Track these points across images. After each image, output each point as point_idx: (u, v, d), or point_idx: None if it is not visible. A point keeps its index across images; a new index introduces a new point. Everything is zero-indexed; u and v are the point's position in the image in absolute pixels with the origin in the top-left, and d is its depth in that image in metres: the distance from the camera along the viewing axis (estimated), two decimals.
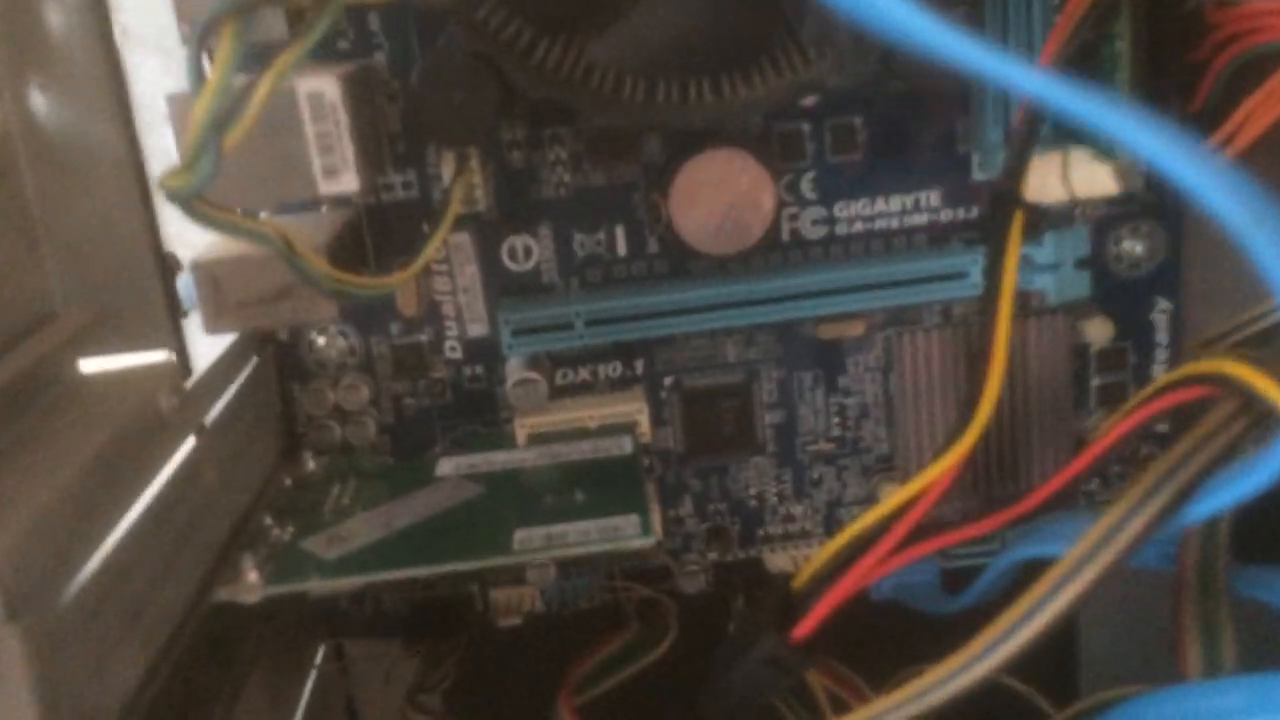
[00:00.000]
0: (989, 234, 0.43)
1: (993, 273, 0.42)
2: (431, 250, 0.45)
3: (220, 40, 0.31)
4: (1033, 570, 0.33)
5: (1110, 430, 0.41)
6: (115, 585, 0.34)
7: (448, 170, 0.47)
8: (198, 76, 0.32)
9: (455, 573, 0.40)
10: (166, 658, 0.37)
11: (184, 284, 0.43)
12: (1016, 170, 0.43)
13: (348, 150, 0.42)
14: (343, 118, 0.42)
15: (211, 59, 0.31)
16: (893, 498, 0.40)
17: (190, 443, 0.42)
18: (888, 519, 0.40)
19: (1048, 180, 0.47)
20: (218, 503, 0.43)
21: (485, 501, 0.45)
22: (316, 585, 0.41)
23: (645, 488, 0.45)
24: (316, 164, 0.42)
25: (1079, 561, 0.31)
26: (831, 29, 0.38)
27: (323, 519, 0.45)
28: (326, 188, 0.43)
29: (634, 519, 0.42)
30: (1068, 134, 0.47)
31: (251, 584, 0.41)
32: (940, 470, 0.40)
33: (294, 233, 0.38)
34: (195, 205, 0.34)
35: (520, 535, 0.42)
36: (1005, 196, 0.43)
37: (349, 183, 0.43)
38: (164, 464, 0.39)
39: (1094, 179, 0.47)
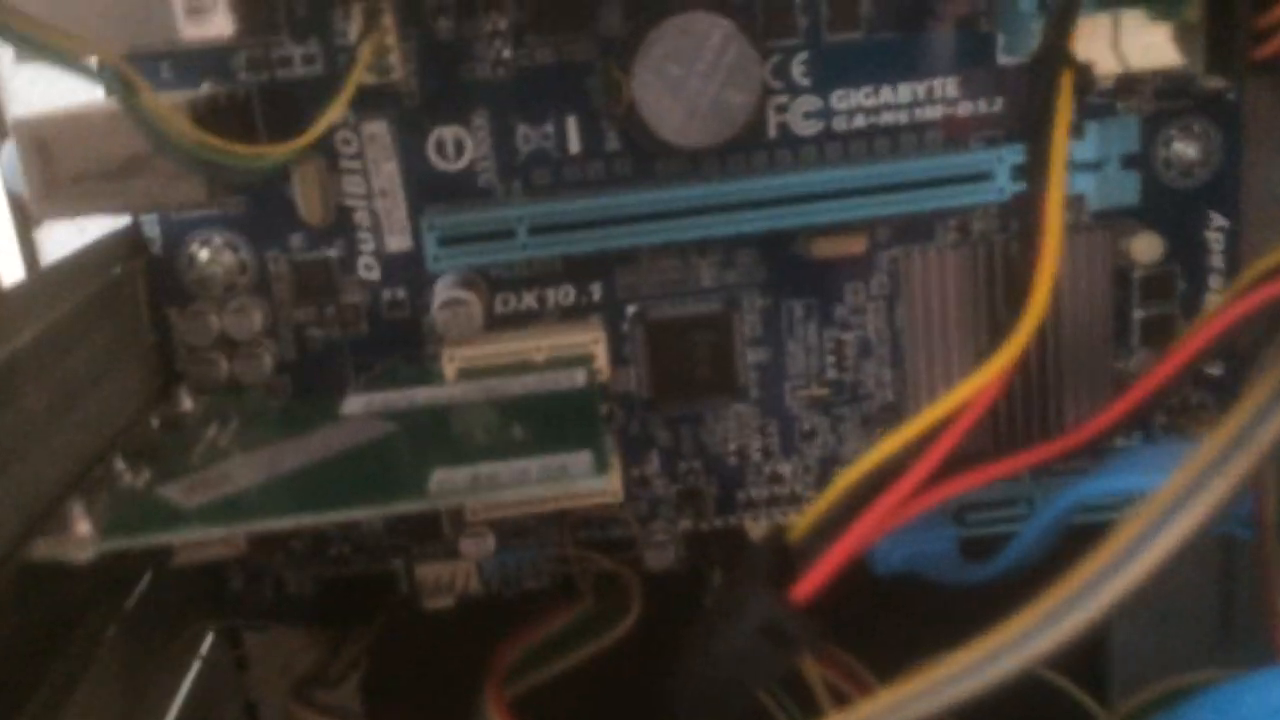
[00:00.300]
0: (1030, 102, 0.34)
1: (1036, 150, 0.33)
2: (330, 117, 0.36)
3: None
4: (1082, 535, 0.24)
5: (1189, 341, 0.32)
6: None
7: (356, 29, 0.38)
8: None
9: (350, 521, 0.30)
10: None
11: (9, 154, 0.34)
12: (1064, 19, 0.34)
13: None
14: None
15: None
16: (915, 421, 0.31)
17: (7, 353, 0.32)
18: (909, 450, 0.31)
19: (1095, 48, 0.39)
20: (48, 437, 0.34)
21: (397, 441, 0.36)
22: (171, 537, 0.31)
23: (600, 422, 0.36)
24: None
25: (1204, 472, 0.22)
26: None
27: (189, 462, 0.36)
28: (191, 29, 0.33)
29: (584, 456, 0.33)
30: None
31: (81, 537, 0.31)
32: (978, 385, 0.31)
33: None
34: (4, 16, 0.25)
35: (439, 476, 0.33)
36: (1050, 53, 0.34)
37: (220, 26, 0.33)
38: None
39: (1150, 47, 0.39)
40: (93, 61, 0.28)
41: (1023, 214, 0.33)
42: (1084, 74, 0.34)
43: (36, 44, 0.27)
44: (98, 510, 0.32)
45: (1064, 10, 0.34)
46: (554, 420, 0.36)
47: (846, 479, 0.31)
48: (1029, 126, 0.34)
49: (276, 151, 0.34)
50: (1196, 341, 0.32)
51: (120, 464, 0.35)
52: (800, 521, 0.32)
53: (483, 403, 0.39)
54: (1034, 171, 0.33)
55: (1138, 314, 0.46)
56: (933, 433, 0.30)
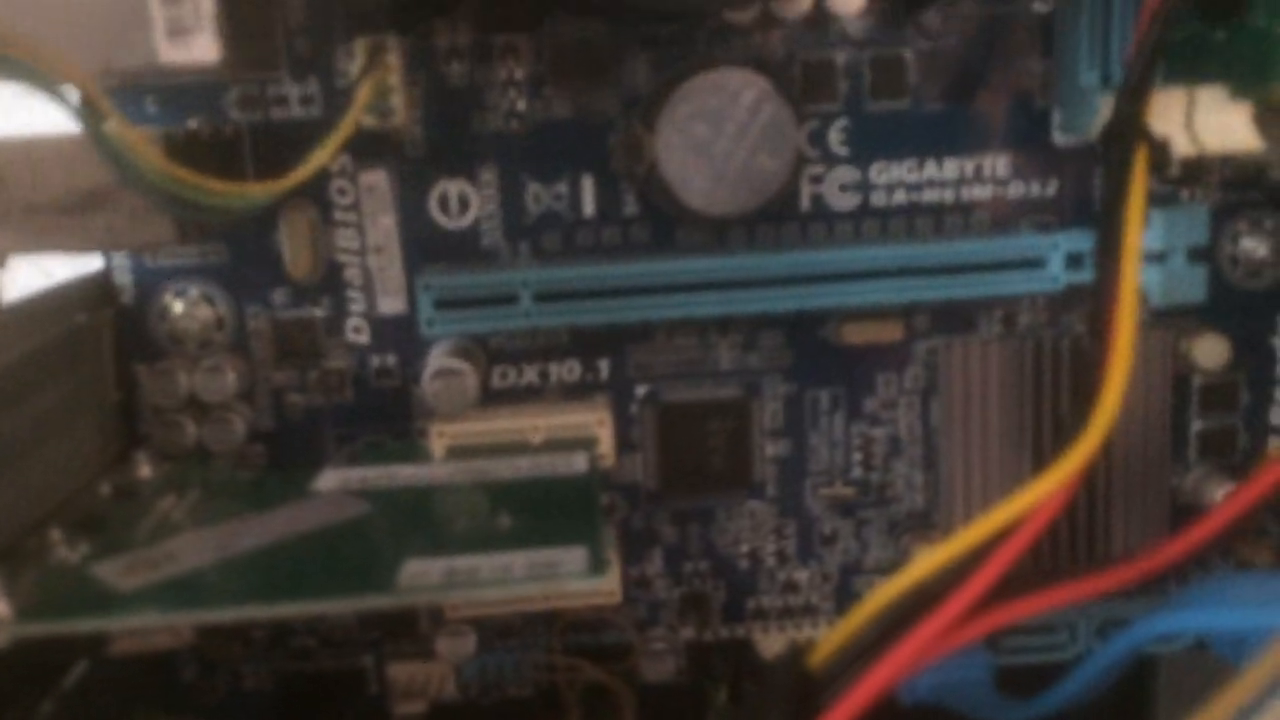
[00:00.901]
0: (1106, 176, 0.31)
1: (1107, 234, 0.30)
2: (319, 161, 0.33)
3: None
4: (1148, 669, 0.20)
5: (1266, 474, 0.28)
6: None
7: (359, 66, 0.35)
8: None
9: (301, 616, 0.26)
10: None
11: None
12: (1139, 88, 0.31)
13: (204, 4, 0.30)
14: None
15: None
16: (965, 534, 0.27)
17: None
18: (956, 568, 0.27)
19: (1167, 126, 0.35)
20: None
21: (370, 524, 0.32)
22: (95, 623, 0.27)
23: (599, 514, 0.31)
24: (159, 15, 0.30)
25: None
26: None
27: (134, 537, 0.31)
28: (171, 52, 0.30)
29: (579, 553, 0.28)
30: (1194, 67, 0.35)
31: None
32: (1039, 495, 0.27)
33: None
34: None
35: (411, 569, 0.28)
36: (1123, 125, 0.31)
37: (203, 49, 0.30)
38: None
39: (1228, 128, 0.35)
40: (55, 77, 0.25)
41: (1092, 304, 0.29)
42: (1160, 151, 0.31)
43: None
44: (23, 587, 0.28)
45: (1139, 78, 0.31)
46: (548, 510, 0.32)
47: (880, 597, 0.27)
48: (1100, 207, 0.31)
49: (256, 191, 0.31)
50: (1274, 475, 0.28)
51: (56, 534, 0.31)
52: (824, 644, 0.28)
53: (471, 485, 0.35)
54: (1104, 257, 0.30)
55: (1196, 424, 0.41)
56: (984, 549, 0.26)
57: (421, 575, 0.28)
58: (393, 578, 0.28)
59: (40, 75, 0.26)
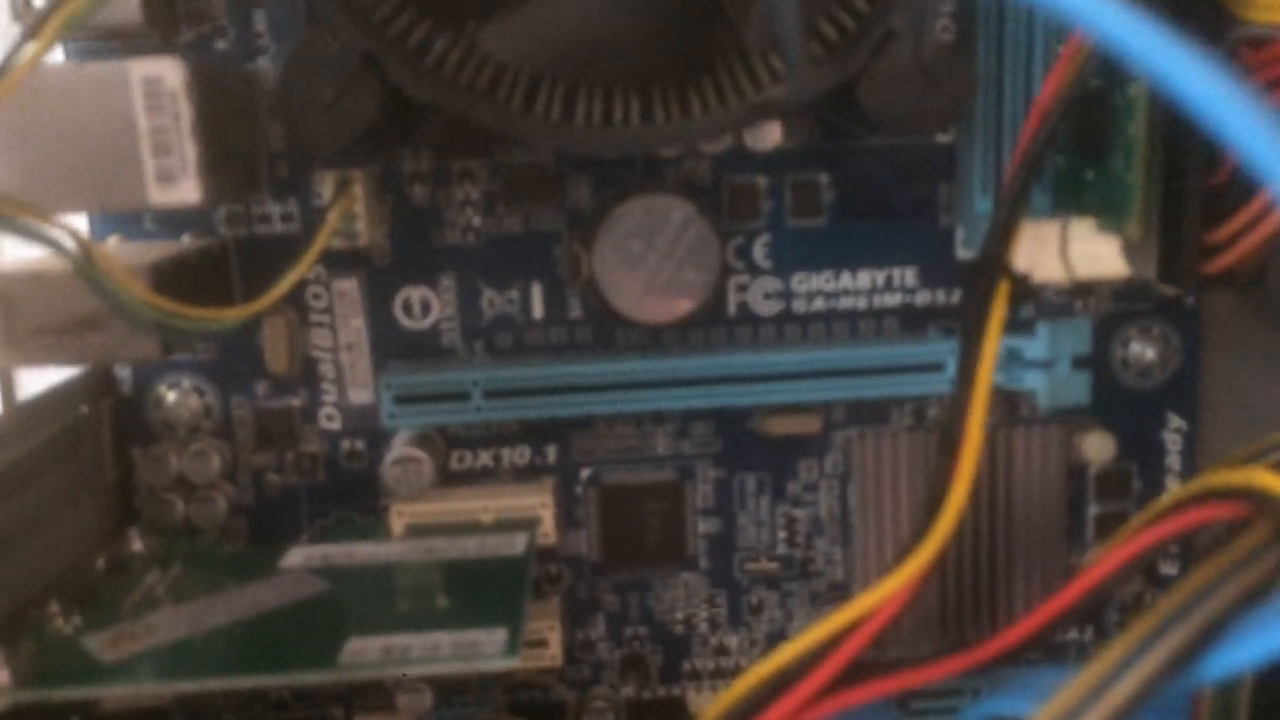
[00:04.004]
0: (966, 305, 0.35)
1: (968, 350, 0.34)
2: (290, 281, 0.37)
3: None
4: None
5: (1107, 557, 0.32)
6: None
7: (328, 194, 0.40)
8: None
9: (258, 687, 0.30)
10: None
11: None
12: (1004, 230, 0.35)
13: (189, 151, 0.35)
14: (185, 111, 0.34)
15: None
16: (827, 621, 0.31)
17: None
18: (820, 649, 0.31)
19: (1043, 254, 0.40)
20: None
21: (324, 602, 0.36)
22: (83, 692, 0.32)
23: (524, 597, 0.36)
24: (149, 166, 0.35)
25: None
26: (783, 32, 0.31)
27: (121, 610, 0.36)
28: (160, 196, 0.35)
29: (500, 634, 0.33)
30: (1069, 201, 0.39)
31: None
32: (888, 591, 0.31)
33: (112, 252, 0.30)
34: None
35: (352, 646, 0.33)
36: (988, 260, 0.35)
37: (188, 192, 0.35)
38: None
39: (1098, 257, 0.39)
40: (43, 224, 0.30)
41: (947, 419, 0.33)
42: (1022, 284, 0.35)
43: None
44: (22, 657, 0.33)
45: (1004, 224, 0.35)
46: (481, 590, 0.36)
47: (754, 676, 0.31)
48: (965, 326, 0.35)
49: (232, 315, 0.35)
50: (1122, 552, 0.32)
51: (54, 607, 0.36)
52: (709, 712, 0.32)
53: (421, 563, 0.39)
54: (962, 379, 0.34)
55: (1093, 509, 0.46)
56: (838, 637, 0.31)
57: (361, 653, 0.32)
58: (335, 655, 0.32)
59: (35, 230, 0.30)
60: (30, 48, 0.28)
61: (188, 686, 0.32)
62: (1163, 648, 0.23)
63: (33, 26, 0.28)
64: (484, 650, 0.32)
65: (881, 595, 0.30)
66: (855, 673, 0.31)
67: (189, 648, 0.33)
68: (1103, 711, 0.21)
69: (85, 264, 0.31)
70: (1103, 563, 0.32)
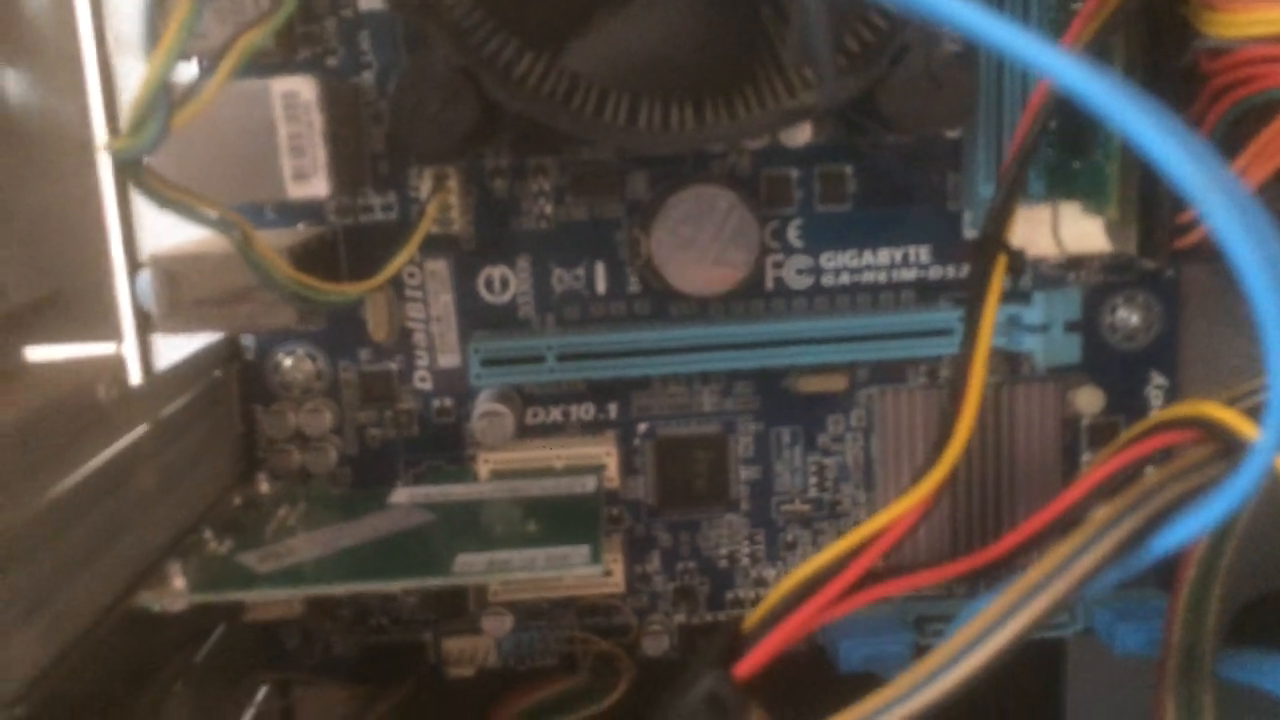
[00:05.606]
0: (970, 278, 0.42)
1: (972, 313, 0.40)
2: (399, 263, 0.44)
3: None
4: (1056, 652, 0.31)
5: (1090, 474, 0.39)
6: (14, 565, 0.32)
7: (426, 189, 0.47)
8: (152, 35, 0.31)
9: (389, 593, 0.37)
10: (72, 655, 0.35)
11: (144, 280, 0.42)
12: (1001, 213, 0.42)
13: (320, 154, 0.42)
14: (317, 120, 0.41)
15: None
16: (849, 536, 0.38)
17: (128, 441, 0.40)
18: (843, 559, 0.38)
19: (1037, 233, 0.46)
20: (155, 509, 0.41)
21: (433, 528, 0.44)
22: (244, 595, 0.39)
23: (600, 523, 0.43)
24: (287, 165, 0.42)
25: (1032, 588, 0.29)
26: (814, 49, 0.37)
27: (263, 537, 0.43)
28: (296, 190, 0.42)
29: (583, 549, 0.40)
30: (1059, 187, 0.46)
31: (176, 590, 0.39)
32: (901, 510, 0.37)
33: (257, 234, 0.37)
34: (143, 177, 0.33)
35: (462, 559, 0.40)
36: (988, 240, 0.41)
37: (319, 187, 0.42)
38: (93, 455, 0.37)
39: (1085, 235, 0.46)
40: (214, 213, 0.37)
41: (953, 373, 0.40)
42: (1016, 258, 0.41)
43: (180, 206, 0.35)
44: (190, 570, 0.40)
45: (1000, 207, 0.42)
46: (563, 518, 0.43)
47: (791, 581, 0.38)
48: (968, 296, 0.41)
49: (354, 289, 0.43)
50: (1098, 473, 0.39)
51: (208, 534, 0.43)
52: (753, 614, 0.39)
53: (507, 500, 0.46)
54: (967, 338, 0.40)
55: (1085, 456, 0.52)
56: (859, 548, 0.37)
57: (470, 564, 0.40)
58: (449, 565, 0.39)
59: (206, 216, 0.37)
60: (209, 80, 0.35)
61: (329, 590, 0.39)
62: (1120, 529, 0.29)
63: (213, 61, 0.34)
64: (572, 561, 0.39)
65: (898, 511, 0.37)
66: (873, 578, 0.38)
67: (326, 562, 0.41)
68: (1071, 577, 0.28)
69: (245, 246, 0.38)
70: (1080, 483, 0.39)
